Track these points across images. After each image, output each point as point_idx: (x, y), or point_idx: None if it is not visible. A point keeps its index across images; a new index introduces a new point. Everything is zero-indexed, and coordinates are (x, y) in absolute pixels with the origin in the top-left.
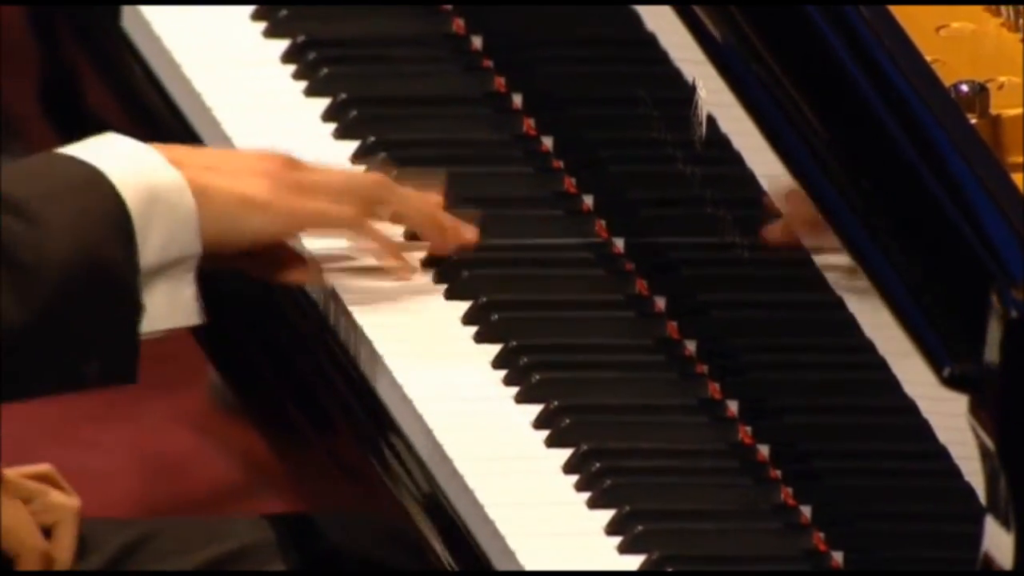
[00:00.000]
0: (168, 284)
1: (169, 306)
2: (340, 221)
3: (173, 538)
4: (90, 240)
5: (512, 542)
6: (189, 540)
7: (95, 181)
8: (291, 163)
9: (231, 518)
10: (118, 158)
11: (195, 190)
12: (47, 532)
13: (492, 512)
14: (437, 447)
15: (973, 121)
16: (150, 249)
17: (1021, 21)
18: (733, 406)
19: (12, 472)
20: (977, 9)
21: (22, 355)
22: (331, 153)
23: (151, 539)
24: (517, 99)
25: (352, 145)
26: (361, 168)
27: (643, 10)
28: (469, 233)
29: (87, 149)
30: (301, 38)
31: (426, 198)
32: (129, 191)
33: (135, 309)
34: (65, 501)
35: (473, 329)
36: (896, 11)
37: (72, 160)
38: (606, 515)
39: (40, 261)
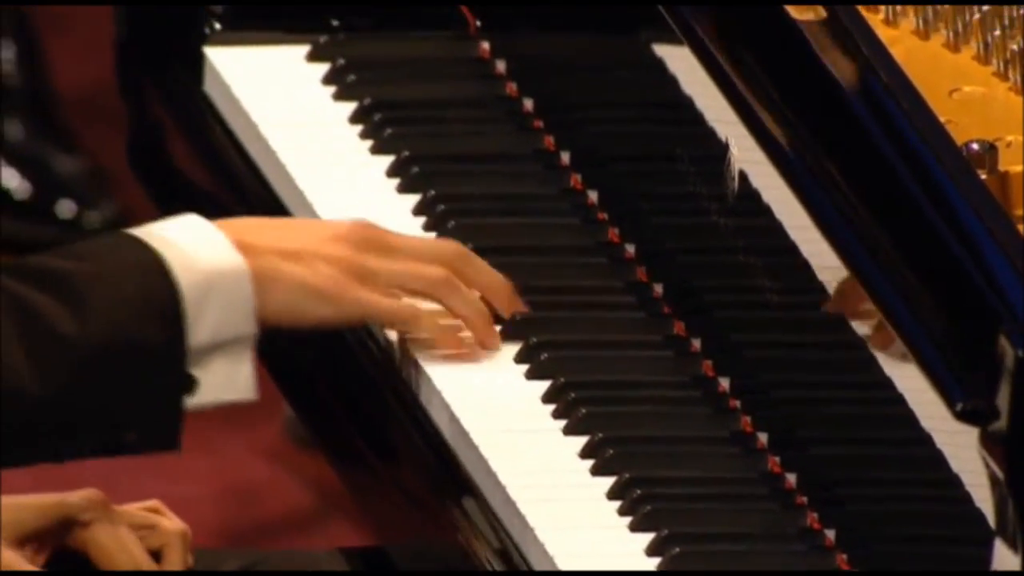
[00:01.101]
0: (225, 360)
1: (226, 380)
2: (400, 317)
3: (278, 568)
4: (128, 321)
5: (560, 562)
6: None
7: (150, 265)
8: (365, 242)
9: (329, 551)
10: (184, 243)
11: (259, 276)
12: (156, 556)
13: (542, 535)
14: (491, 474)
15: (983, 177)
16: (202, 330)
17: None
18: (763, 438)
19: (121, 507)
20: (987, 74)
21: (51, 423)
22: (394, 205)
23: (258, 565)
24: (565, 156)
25: (414, 198)
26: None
27: (680, 74)
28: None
29: (159, 230)
30: (367, 101)
31: (496, 275)
32: (185, 275)
33: (177, 385)
34: (173, 526)
35: (525, 367)
36: (913, 76)
37: (135, 242)
38: (646, 538)
39: (73, 336)
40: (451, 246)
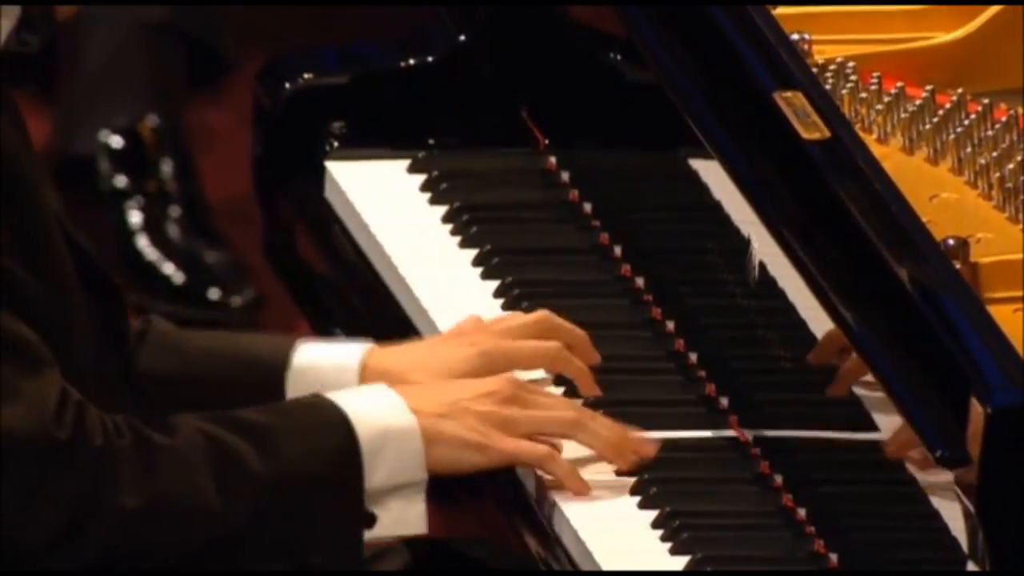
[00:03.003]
0: (400, 501)
1: (400, 517)
2: (541, 464)
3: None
4: (312, 463)
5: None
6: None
7: (336, 421)
8: (507, 397)
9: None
10: (365, 403)
11: (425, 433)
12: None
13: (599, 557)
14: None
15: (958, 267)
16: (378, 476)
17: (993, 191)
18: (779, 479)
19: None
20: (960, 183)
21: (246, 542)
22: (478, 290)
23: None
24: (617, 249)
25: (494, 284)
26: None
27: (711, 184)
28: (649, 449)
29: (347, 394)
30: (456, 204)
31: (616, 428)
32: (364, 429)
33: (359, 520)
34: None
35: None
36: (901, 185)
37: (328, 403)
38: (683, 559)
39: (261, 475)
40: (573, 403)
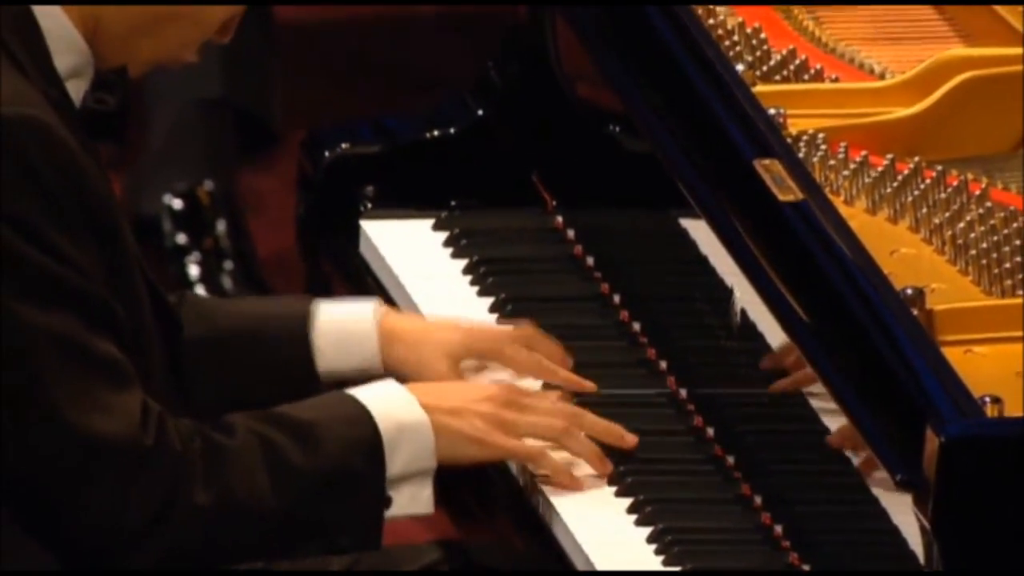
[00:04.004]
0: (412, 486)
1: (411, 501)
2: (532, 460)
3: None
4: (344, 455)
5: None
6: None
7: (362, 417)
8: (506, 402)
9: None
10: (384, 400)
11: (436, 428)
12: None
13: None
14: (572, 537)
15: (915, 313)
16: (396, 465)
17: (946, 247)
18: (758, 500)
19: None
20: (917, 240)
21: (284, 530)
22: None
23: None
24: (616, 298)
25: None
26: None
27: (698, 241)
28: (629, 440)
29: (367, 390)
30: (475, 258)
31: (609, 426)
32: (384, 424)
33: (380, 504)
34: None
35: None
36: (865, 241)
37: (351, 399)
38: (674, 570)
39: (303, 466)
40: (569, 406)
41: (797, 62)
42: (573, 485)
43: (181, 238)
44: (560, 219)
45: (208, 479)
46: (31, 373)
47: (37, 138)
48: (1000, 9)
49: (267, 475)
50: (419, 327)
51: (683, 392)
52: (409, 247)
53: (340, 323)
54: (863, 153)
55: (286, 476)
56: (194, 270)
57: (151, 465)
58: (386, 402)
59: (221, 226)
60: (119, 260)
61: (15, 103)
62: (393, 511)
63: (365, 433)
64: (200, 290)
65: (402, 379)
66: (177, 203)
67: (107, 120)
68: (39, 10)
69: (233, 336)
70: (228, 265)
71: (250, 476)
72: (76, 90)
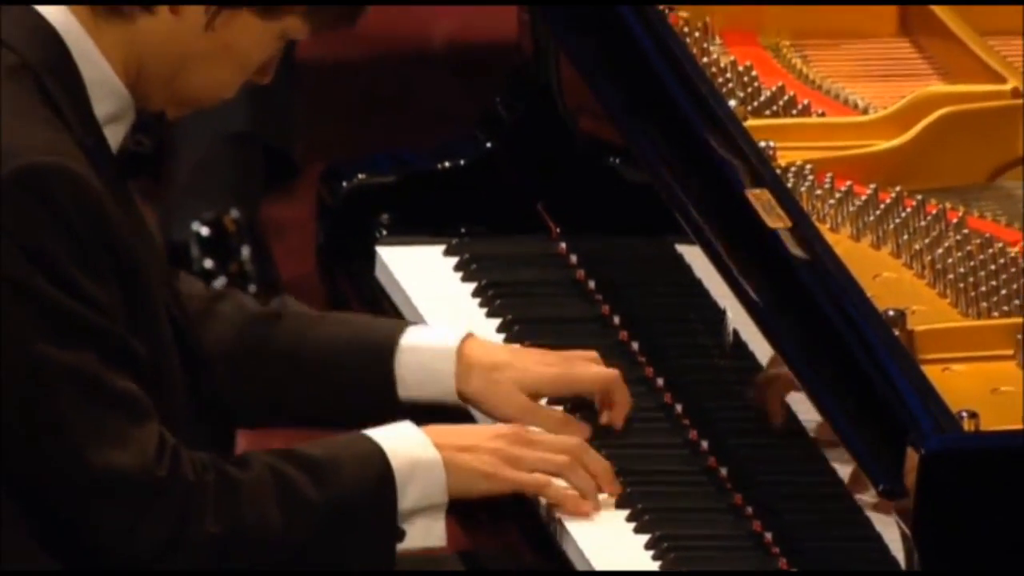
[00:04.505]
0: (425, 519)
1: (425, 534)
2: (539, 491)
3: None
4: (356, 490)
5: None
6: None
7: (375, 453)
8: (514, 439)
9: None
10: (397, 438)
11: (447, 465)
12: None
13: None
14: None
15: (897, 333)
16: (408, 499)
17: (925, 271)
18: (750, 509)
19: None
20: (898, 265)
21: (300, 561)
22: None
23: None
24: (616, 319)
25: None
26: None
27: (693, 265)
28: (615, 489)
29: (382, 430)
30: (483, 282)
31: (603, 463)
32: (397, 460)
33: (392, 537)
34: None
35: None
36: (849, 266)
37: (366, 437)
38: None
39: (316, 506)
40: (574, 440)
41: (786, 98)
42: (579, 512)
43: (208, 263)
44: (563, 245)
45: (220, 509)
46: (50, 407)
47: (65, 185)
48: (976, 48)
49: (279, 507)
50: (497, 360)
51: (679, 407)
52: (422, 271)
53: (422, 354)
54: (848, 183)
55: (298, 508)
56: None
57: (164, 494)
58: (399, 440)
59: (246, 252)
60: (141, 300)
61: (47, 152)
62: (406, 544)
63: (378, 469)
64: None
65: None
66: (205, 230)
67: (144, 160)
68: (81, 58)
69: (325, 353)
70: (252, 288)
71: (262, 507)
72: (115, 134)
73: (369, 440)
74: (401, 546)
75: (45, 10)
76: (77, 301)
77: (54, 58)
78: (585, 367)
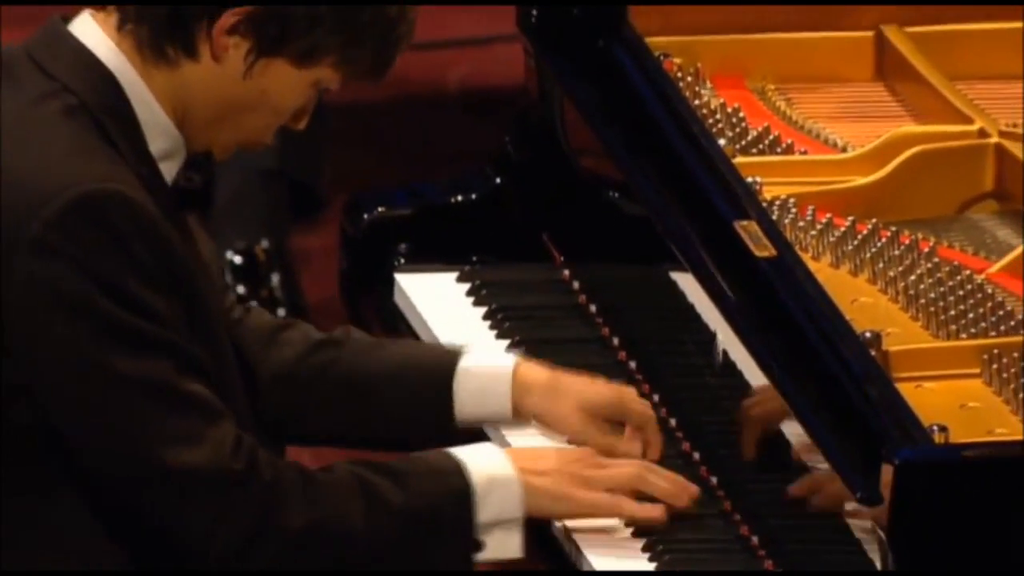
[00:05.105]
0: (503, 532)
1: (501, 545)
2: (610, 511)
3: None
4: (437, 500)
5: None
6: None
7: (456, 468)
8: (587, 463)
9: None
10: (478, 456)
11: (525, 486)
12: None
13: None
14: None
15: (873, 354)
16: (486, 512)
17: (899, 297)
18: (738, 514)
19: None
20: (874, 291)
21: (378, 562)
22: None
23: None
24: (615, 340)
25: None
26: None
27: (686, 291)
28: (693, 490)
29: (464, 448)
30: (493, 306)
31: (670, 473)
32: (476, 476)
33: (469, 546)
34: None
35: None
36: (829, 291)
37: (449, 454)
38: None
39: (398, 509)
40: (638, 461)
41: (771, 137)
42: (657, 517)
43: (241, 288)
44: (567, 272)
45: (302, 504)
46: (125, 416)
47: (122, 209)
48: (945, 91)
49: (361, 506)
50: (553, 380)
51: (673, 421)
52: (436, 296)
53: (481, 376)
54: (828, 216)
55: (380, 510)
56: None
57: (242, 487)
58: (480, 458)
59: (275, 279)
60: (200, 315)
61: (104, 180)
62: (485, 554)
63: (459, 483)
64: None
65: (538, 427)
66: (237, 259)
67: (194, 195)
68: (135, 99)
69: (386, 377)
70: (281, 312)
71: (344, 505)
72: (169, 169)
73: (450, 456)
74: (480, 556)
75: (100, 51)
76: (140, 316)
77: (110, 99)
78: (635, 399)
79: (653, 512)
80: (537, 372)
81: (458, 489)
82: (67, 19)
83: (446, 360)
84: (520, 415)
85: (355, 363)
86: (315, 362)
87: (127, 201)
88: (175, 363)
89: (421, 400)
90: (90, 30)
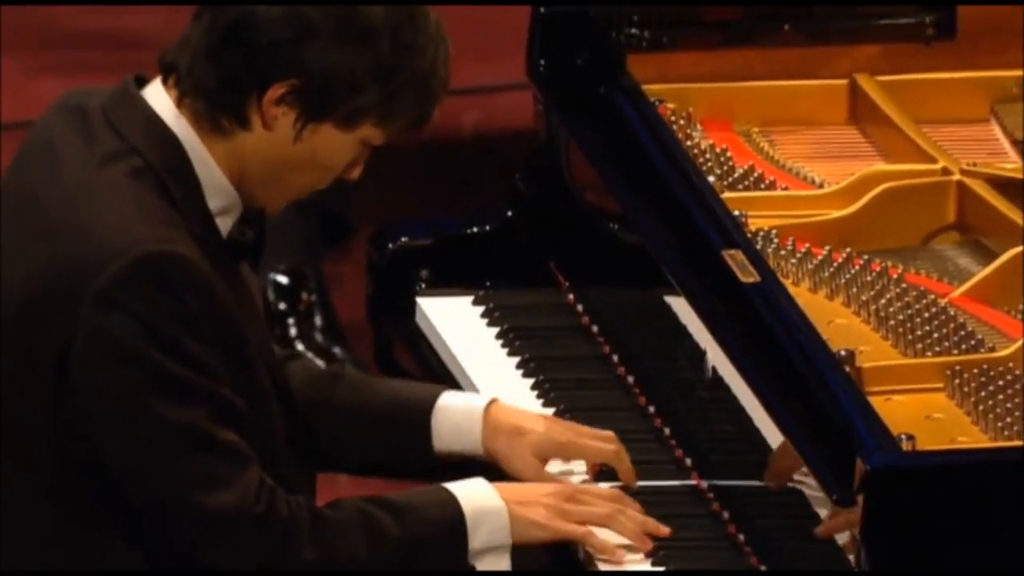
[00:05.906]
0: (492, 558)
1: (493, 568)
2: (583, 540)
3: None
4: (433, 530)
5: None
6: None
7: (450, 501)
8: (567, 496)
9: None
10: (470, 490)
11: (510, 515)
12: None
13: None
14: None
15: (848, 370)
16: (477, 540)
17: (871, 318)
18: (726, 514)
19: None
20: (848, 313)
21: None
22: (520, 386)
23: None
24: (615, 357)
25: (531, 381)
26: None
27: (679, 313)
28: (663, 531)
29: (458, 484)
30: (505, 326)
31: (640, 517)
32: (468, 507)
33: (461, 572)
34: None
35: None
36: (808, 313)
37: (443, 489)
38: (659, 568)
39: (396, 537)
40: (615, 494)
41: (755, 175)
42: (617, 559)
43: (282, 305)
44: (572, 296)
45: (313, 540)
46: (166, 459)
47: (178, 268)
48: (912, 133)
49: (365, 540)
50: (516, 426)
51: (667, 430)
52: (454, 318)
53: (455, 414)
54: (807, 246)
55: (382, 542)
56: (292, 330)
57: (263, 526)
58: (470, 491)
59: (312, 298)
60: (244, 363)
61: (165, 242)
62: None
63: (453, 514)
64: (299, 345)
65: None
66: (281, 278)
67: (247, 247)
68: (198, 162)
69: (374, 410)
70: (318, 323)
71: (351, 540)
72: (225, 223)
73: (445, 490)
74: None
75: (167, 118)
76: (187, 367)
77: (175, 161)
78: (589, 442)
79: (615, 552)
80: (505, 415)
81: (452, 519)
82: (139, 79)
83: (428, 397)
84: (488, 454)
85: (350, 397)
86: (315, 394)
87: (184, 261)
88: (213, 412)
89: (405, 431)
90: (160, 99)
